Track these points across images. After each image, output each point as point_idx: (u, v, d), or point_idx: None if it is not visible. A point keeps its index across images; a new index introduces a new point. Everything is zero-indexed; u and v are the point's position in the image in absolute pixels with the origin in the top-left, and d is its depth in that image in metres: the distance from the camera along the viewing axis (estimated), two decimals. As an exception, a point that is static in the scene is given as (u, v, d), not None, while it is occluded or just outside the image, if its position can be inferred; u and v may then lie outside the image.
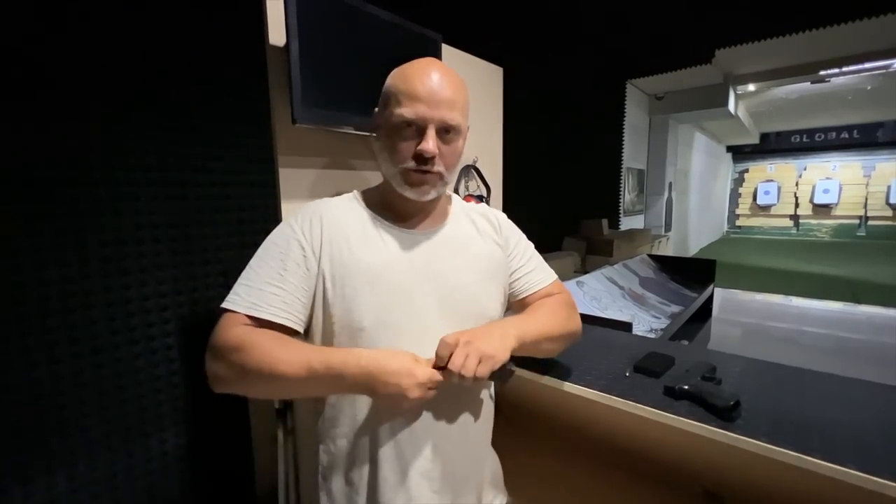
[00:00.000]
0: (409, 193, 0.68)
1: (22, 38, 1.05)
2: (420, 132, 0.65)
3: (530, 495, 1.09)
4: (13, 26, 1.03)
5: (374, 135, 0.72)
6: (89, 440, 1.18)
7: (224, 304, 0.64)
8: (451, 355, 0.58)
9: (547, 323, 0.75)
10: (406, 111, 0.64)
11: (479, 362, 0.58)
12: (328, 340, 0.67)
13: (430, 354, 0.62)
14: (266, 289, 0.64)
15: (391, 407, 0.65)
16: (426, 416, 0.68)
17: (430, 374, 0.58)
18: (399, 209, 0.73)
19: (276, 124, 1.01)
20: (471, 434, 0.74)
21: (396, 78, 0.67)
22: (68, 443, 1.14)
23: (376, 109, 0.71)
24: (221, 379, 0.62)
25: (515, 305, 0.82)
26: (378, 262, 0.67)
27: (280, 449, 0.99)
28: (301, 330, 0.67)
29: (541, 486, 1.13)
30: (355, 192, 0.76)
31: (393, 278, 0.67)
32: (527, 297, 0.81)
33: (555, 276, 0.85)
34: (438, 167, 0.67)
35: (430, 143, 0.64)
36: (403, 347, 0.62)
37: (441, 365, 0.59)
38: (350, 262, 0.66)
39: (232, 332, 0.61)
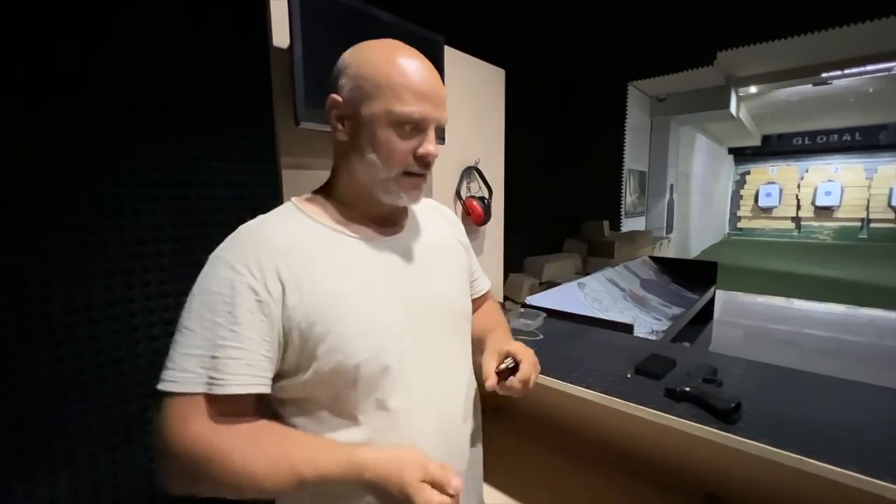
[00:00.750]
0: (403, 201, 0.60)
1: (22, 39, 1.05)
2: (419, 132, 0.58)
3: (531, 496, 1.09)
4: (13, 26, 1.03)
5: (341, 128, 0.59)
6: (91, 440, 1.18)
7: (166, 386, 0.49)
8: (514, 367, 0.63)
9: (509, 331, 0.80)
10: (413, 110, 0.55)
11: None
12: (318, 387, 0.56)
13: (433, 368, 0.61)
14: (220, 354, 0.50)
15: None
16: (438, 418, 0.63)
17: (439, 501, 0.47)
18: (369, 215, 0.63)
19: (279, 125, 1.01)
20: (470, 436, 0.73)
21: (383, 65, 0.56)
22: (69, 442, 1.15)
23: (336, 97, 0.58)
24: (184, 487, 0.51)
25: None
26: (356, 284, 0.57)
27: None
28: (268, 391, 0.54)
29: (542, 486, 1.13)
30: (294, 201, 0.62)
31: (377, 296, 0.58)
32: (475, 300, 0.80)
33: (489, 281, 0.87)
34: (429, 171, 0.61)
35: (434, 145, 0.58)
36: (407, 368, 0.58)
37: (521, 382, 0.62)
38: (323, 292, 0.55)
39: (188, 430, 0.48)
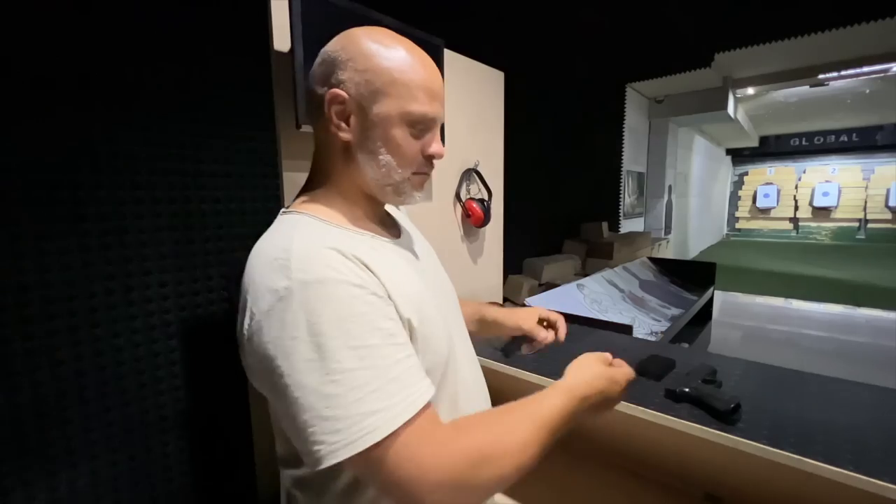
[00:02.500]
0: (413, 200, 0.59)
1: (23, 40, 1.06)
2: (427, 131, 0.56)
3: (530, 496, 1.09)
4: (13, 27, 1.04)
5: (345, 127, 0.54)
6: (91, 442, 1.18)
7: (371, 442, 0.40)
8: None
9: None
10: (429, 110, 0.54)
11: None
12: None
13: (471, 361, 0.65)
14: (399, 371, 0.44)
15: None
16: None
17: (625, 371, 0.63)
18: (371, 219, 0.60)
19: (280, 129, 1.01)
20: None
21: (395, 61, 0.53)
22: (70, 445, 1.15)
23: (340, 93, 0.52)
24: (479, 498, 0.44)
25: None
26: (417, 285, 0.55)
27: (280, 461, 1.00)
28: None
29: (541, 487, 1.13)
30: (306, 214, 0.55)
31: (430, 296, 0.57)
32: None
33: None
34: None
35: (440, 144, 0.57)
36: (460, 364, 0.60)
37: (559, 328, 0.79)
38: (406, 294, 0.52)
39: (435, 451, 0.42)
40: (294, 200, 0.60)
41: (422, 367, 0.48)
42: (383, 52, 0.53)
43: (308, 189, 0.59)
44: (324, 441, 0.40)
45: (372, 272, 0.48)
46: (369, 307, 0.45)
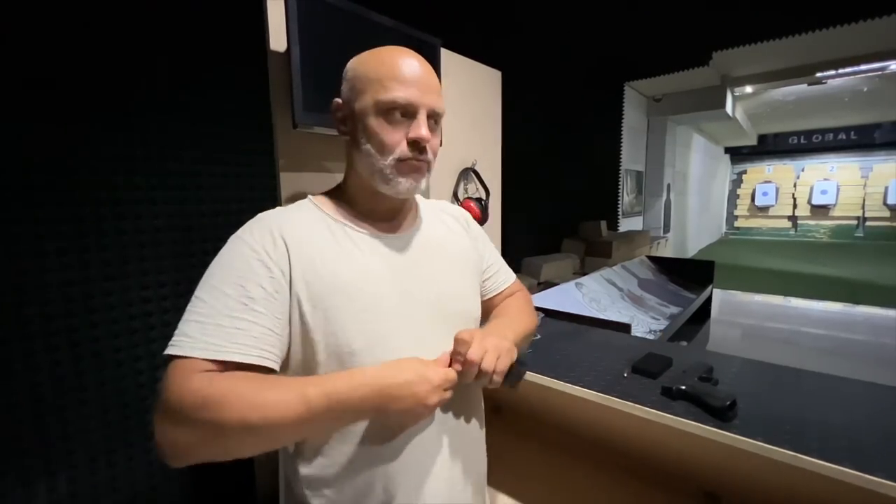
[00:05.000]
0: (402, 188, 0.60)
1: (23, 40, 1.05)
2: (409, 118, 0.59)
3: (530, 495, 1.09)
4: (14, 28, 1.04)
5: (343, 128, 0.63)
6: (90, 443, 1.19)
7: (171, 350, 0.50)
8: (467, 353, 0.56)
9: (523, 323, 0.75)
10: (398, 95, 0.58)
11: (498, 357, 0.57)
12: (310, 372, 0.58)
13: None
14: (226, 323, 0.51)
15: (404, 422, 0.57)
16: (433, 427, 0.64)
17: (443, 374, 0.54)
18: (373, 212, 0.65)
19: (277, 128, 1.01)
20: (475, 437, 0.74)
21: (372, 63, 0.60)
22: (69, 446, 1.15)
23: (338, 100, 0.63)
24: (186, 447, 0.47)
25: (483, 305, 0.77)
26: (358, 275, 0.59)
27: (281, 451, 1.00)
28: (277, 368, 0.54)
29: (540, 485, 1.14)
30: (310, 198, 0.66)
31: (378, 290, 0.60)
32: (494, 296, 0.80)
33: (514, 275, 0.86)
34: (429, 156, 0.62)
35: (424, 129, 0.59)
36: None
37: (459, 362, 0.56)
38: (327, 279, 0.57)
39: (191, 384, 0.47)
40: None
41: (261, 337, 0.52)
42: (367, 59, 0.61)
43: (338, 184, 0.69)
44: (171, 342, 0.51)
45: (287, 251, 0.57)
46: (247, 268, 0.55)
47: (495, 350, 0.57)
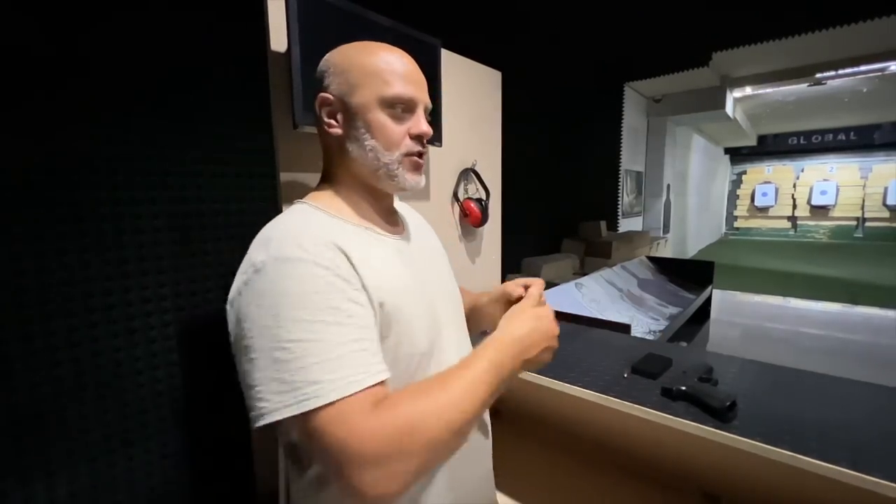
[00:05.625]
0: (407, 183, 0.60)
1: (23, 42, 1.05)
2: (409, 113, 0.60)
3: (529, 495, 1.09)
4: (14, 29, 1.04)
5: (333, 124, 0.60)
6: (89, 443, 1.19)
7: (310, 405, 0.43)
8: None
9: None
10: (401, 90, 0.58)
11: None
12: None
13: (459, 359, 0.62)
14: (346, 351, 0.46)
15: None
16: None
17: (547, 310, 0.62)
18: (375, 213, 0.63)
19: (277, 128, 1.01)
20: (485, 438, 0.74)
21: (368, 58, 0.58)
22: (68, 446, 1.15)
23: (327, 95, 0.59)
24: (403, 484, 0.43)
25: None
26: (404, 278, 0.58)
27: (280, 452, 1.00)
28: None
29: (540, 486, 1.14)
30: (308, 203, 0.60)
31: (416, 290, 0.59)
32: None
33: None
34: (427, 151, 0.63)
35: (426, 124, 0.60)
36: (446, 362, 0.59)
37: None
38: (389, 282, 0.55)
39: (367, 423, 0.43)
40: (306, 195, 0.65)
41: (378, 352, 0.49)
42: (357, 53, 0.60)
43: (319, 186, 0.65)
44: (269, 400, 0.44)
45: (348, 258, 0.51)
46: (329, 287, 0.48)
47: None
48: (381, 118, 0.58)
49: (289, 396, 0.43)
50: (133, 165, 1.24)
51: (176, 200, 1.32)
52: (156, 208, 1.28)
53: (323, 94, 0.60)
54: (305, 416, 0.43)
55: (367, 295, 0.51)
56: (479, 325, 0.79)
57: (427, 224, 0.77)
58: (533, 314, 0.60)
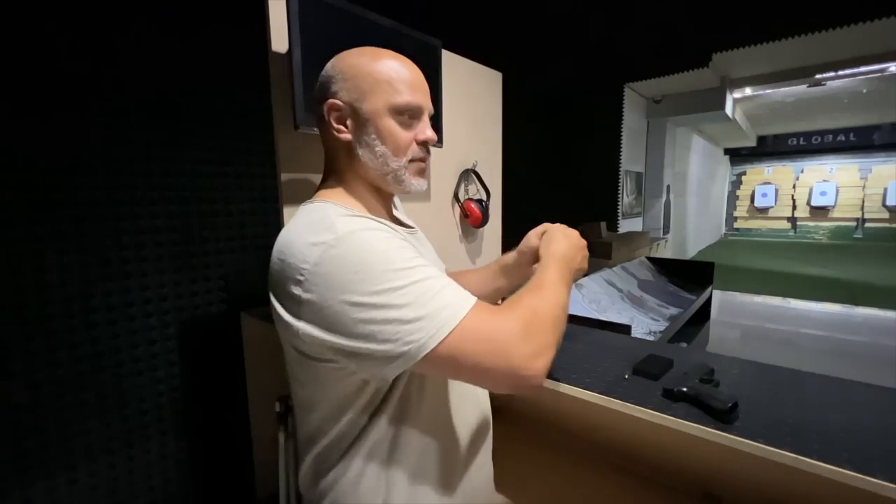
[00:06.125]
0: (413, 187, 0.64)
1: (23, 43, 1.05)
2: (415, 120, 0.63)
3: (530, 497, 1.09)
4: (15, 30, 1.03)
5: (344, 129, 0.62)
6: (90, 444, 1.18)
7: (448, 322, 0.48)
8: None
9: None
10: (411, 99, 0.61)
11: None
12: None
13: None
14: (445, 281, 0.53)
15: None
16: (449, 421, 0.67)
17: (574, 231, 0.74)
18: (382, 211, 0.68)
19: (277, 130, 1.01)
20: (483, 435, 0.75)
21: (376, 65, 0.61)
22: (69, 447, 1.15)
23: (336, 101, 0.61)
24: (549, 358, 0.51)
25: None
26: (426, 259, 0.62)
27: (281, 452, 1.00)
28: None
29: (540, 487, 1.13)
30: (327, 202, 0.62)
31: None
32: None
33: None
34: (430, 155, 0.67)
35: (431, 130, 0.64)
36: None
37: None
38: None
39: (501, 316, 0.51)
40: (313, 196, 0.67)
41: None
42: (366, 61, 0.62)
43: (325, 186, 0.68)
44: (413, 339, 0.48)
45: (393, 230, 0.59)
46: (404, 242, 0.55)
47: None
48: (391, 125, 0.61)
49: (432, 325, 0.48)
50: (133, 166, 1.24)
51: (176, 201, 1.32)
52: (156, 208, 1.28)
53: (332, 101, 0.62)
54: (453, 333, 0.48)
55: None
56: (514, 281, 0.84)
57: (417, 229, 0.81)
58: (563, 234, 0.72)
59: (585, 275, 2.84)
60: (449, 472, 0.66)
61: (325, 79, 0.64)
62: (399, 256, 0.51)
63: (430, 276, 0.51)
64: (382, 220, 0.61)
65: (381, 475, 0.60)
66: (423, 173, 0.66)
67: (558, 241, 0.70)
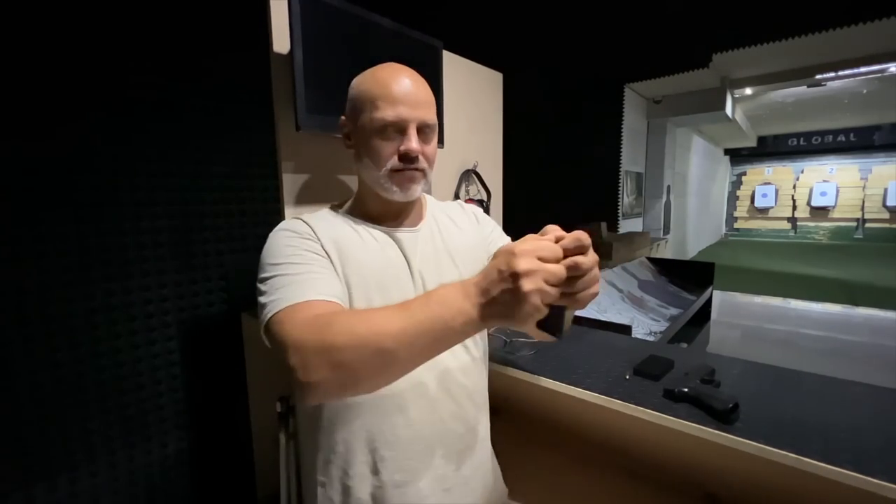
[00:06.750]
0: (398, 195, 0.69)
1: (23, 43, 1.06)
2: (401, 133, 0.67)
3: (530, 497, 1.09)
4: (15, 31, 1.04)
5: (349, 143, 0.73)
6: (90, 444, 1.18)
7: (268, 312, 0.56)
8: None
9: None
10: (387, 114, 0.65)
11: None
12: None
13: (439, 361, 0.67)
14: (305, 278, 0.59)
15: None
16: (429, 416, 0.68)
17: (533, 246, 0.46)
18: (382, 214, 0.73)
19: (279, 131, 1.02)
20: (478, 436, 0.75)
21: (368, 83, 0.68)
22: (69, 447, 1.15)
23: (343, 118, 0.73)
24: (322, 376, 0.47)
25: None
26: (378, 263, 0.68)
27: (281, 452, 1.00)
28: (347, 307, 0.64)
29: (541, 488, 1.13)
30: (328, 208, 0.76)
31: (397, 277, 0.69)
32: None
33: (508, 238, 0.90)
34: (422, 164, 0.69)
35: (414, 142, 0.66)
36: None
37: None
38: (355, 266, 0.66)
39: (300, 320, 0.52)
40: None
41: (332, 283, 0.61)
42: (366, 78, 0.69)
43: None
44: (262, 319, 0.58)
45: (317, 235, 0.66)
46: (296, 244, 0.64)
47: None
48: (372, 139, 0.67)
49: (268, 310, 0.57)
50: (135, 166, 1.24)
51: (177, 201, 1.32)
52: (157, 209, 1.28)
53: (342, 118, 0.73)
54: (269, 320, 0.56)
55: (325, 252, 0.65)
56: None
57: (464, 219, 0.84)
58: (506, 251, 0.46)
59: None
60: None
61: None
62: (279, 254, 0.62)
63: (288, 273, 0.60)
64: (358, 220, 0.72)
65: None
66: (411, 181, 0.68)
67: (500, 259, 0.46)
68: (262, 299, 0.59)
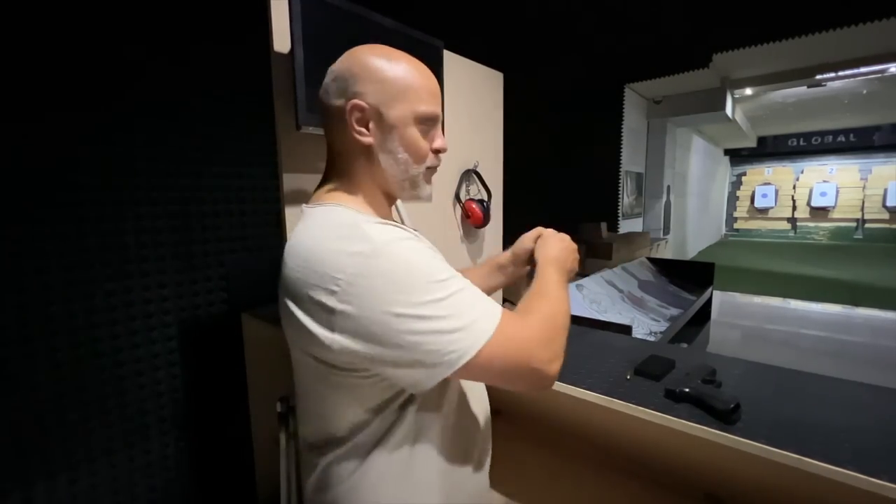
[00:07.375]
0: (424, 193, 0.66)
1: (19, 41, 1.05)
2: (432, 128, 0.64)
3: (529, 496, 1.09)
4: (15, 29, 1.03)
5: (365, 132, 0.60)
6: (90, 444, 1.18)
7: (484, 332, 0.51)
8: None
9: None
10: (434, 108, 0.62)
11: None
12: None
13: None
14: (475, 290, 0.56)
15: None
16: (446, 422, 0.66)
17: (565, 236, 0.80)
18: (387, 215, 0.67)
19: (279, 130, 1.01)
20: (480, 437, 0.75)
21: (403, 71, 0.60)
22: (69, 447, 1.14)
23: (360, 102, 0.58)
24: (561, 359, 0.56)
25: None
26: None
27: (282, 452, 1.00)
28: None
29: (541, 488, 1.13)
30: (343, 206, 0.60)
31: None
32: None
33: None
34: None
35: (444, 139, 0.65)
36: None
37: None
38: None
39: (526, 323, 0.55)
40: (315, 195, 0.66)
41: None
42: (391, 65, 0.60)
43: (334, 187, 0.65)
44: (454, 349, 0.50)
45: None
46: (433, 253, 0.57)
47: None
48: (414, 133, 0.61)
49: (470, 336, 0.50)
50: (135, 166, 1.24)
51: (177, 201, 1.32)
52: (157, 209, 1.28)
53: (355, 101, 0.59)
54: (489, 343, 0.51)
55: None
56: (507, 280, 0.89)
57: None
58: (558, 238, 0.78)
59: (584, 275, 2.84)
60: (462, 467, 0.67)
61: (342, 76, 0.60)
62: (436, 268, 0.53)
63: (464, 286, 0.54)
64: (405, 227, 0.59)
65: (403, 474, 0.60)
66: (431, 179, 0.67)
67: (553, 246, 0.76)
68: (450, 324, 0.50)
